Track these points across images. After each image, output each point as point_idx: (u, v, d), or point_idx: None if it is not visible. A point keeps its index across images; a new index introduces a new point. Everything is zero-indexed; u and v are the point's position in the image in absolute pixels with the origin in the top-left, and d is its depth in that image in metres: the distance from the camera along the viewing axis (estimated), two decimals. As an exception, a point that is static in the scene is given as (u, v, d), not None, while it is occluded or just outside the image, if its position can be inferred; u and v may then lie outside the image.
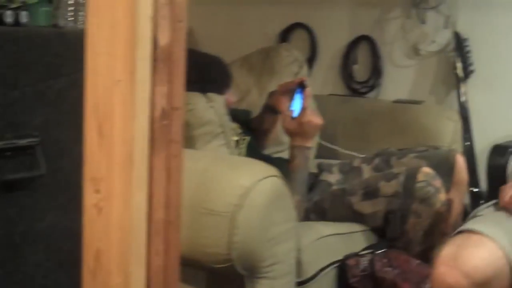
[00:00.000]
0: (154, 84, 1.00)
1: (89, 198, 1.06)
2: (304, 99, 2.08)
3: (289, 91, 2.18)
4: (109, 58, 0.96)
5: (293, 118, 2.08)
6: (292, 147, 2.08)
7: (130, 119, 0.99)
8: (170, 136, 1.08)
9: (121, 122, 1.01)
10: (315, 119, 2.07)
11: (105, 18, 0.95)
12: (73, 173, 1.15)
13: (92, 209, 1.07)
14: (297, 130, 2.06)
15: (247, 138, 2.24)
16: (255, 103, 2.61)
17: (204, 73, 2.12)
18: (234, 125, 2.23)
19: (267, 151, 2.44)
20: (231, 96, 2.20)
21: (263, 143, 2.40)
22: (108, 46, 0.96)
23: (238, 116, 2.34)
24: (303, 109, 2.07)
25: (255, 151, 2.24)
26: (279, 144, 2.56)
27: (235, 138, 2.18)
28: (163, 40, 0.99)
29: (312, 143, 2.14)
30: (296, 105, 2.11)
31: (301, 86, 2.13)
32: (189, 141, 1.91)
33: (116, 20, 0.95)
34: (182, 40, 1.03)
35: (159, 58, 1.00)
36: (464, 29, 2.85)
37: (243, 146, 2.21)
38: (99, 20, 0.95)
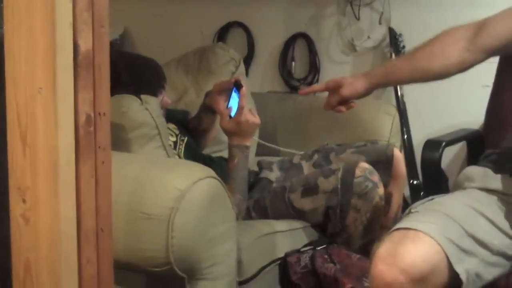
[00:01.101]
0: (77, 90, 1.00)
1: (16, 208, 1.05)
2: (240, 98, 2.09)
3: (225, 91, 2.18)
4: (29, 65, 0.95)
5: (230, 118, 2.08)
6: (231, 147, 2.08)
7: (53, 127, 0.98)
8: (97, 143, 1.07)
9: (44, 131, 1.00)
10: (252, 118, 2.07)
11: (22, 24, 0.94)
12: (-1, 183, 1.14)
13: (19, 219, 1.05)
14: (235, 130, 2.06)
15: (185, 139, 2.22)
16: (192, 103, 2.60)
17: (137, 75, 2.09)
18: (171, 126, 2.21)
19: (206, 151, 2.42)
20: (166, 97, 2.18)
21: (202, 143, 2.38)
22: (27, 53, 0.95)
23: (176, 116, 2.33)
24: (240, 109, 2.06)
25: (194, 151, 2.22)
26: (218, 143, 2.56)
27: (173, 139, 2.17)
28: (85, 46, 0.99)
29: (251, 142, 2.15)
30: (233, 105, 2.12)
31: (237, 85, 2.14)
32: (124, 144, 1.89)
33: (34, 26, 0.94)
34: (105, 45, 1.03)
35: (81, 64, 0.99)
36: (397, 25, 2.90)
37: (182, 147, 2.19)
38: (16, 27, 0.94)
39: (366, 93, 1.91)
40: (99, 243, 1.10)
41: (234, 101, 2.12)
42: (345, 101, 1.94)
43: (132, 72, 2.07)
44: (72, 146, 1.02)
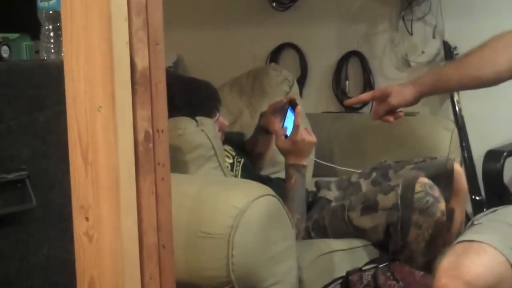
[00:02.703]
0: (135, 108, 1.02)
1: (79, 226, 1.07)
2: (295, 117, 2.10)
3: (280, 111, 2.19)
4: (88, 85, 0.98)
5: (286, 137, 2.09)
6: (288, 166, 2.08)
7: (113, 144, 1.01)
8: (156, 159, 1.09)
9: (105, 148, 1.02)
10: (308, 136, 2.08)
11: (80, 44, 0.97)
12: (64, 203, 1.14)
13: (83, 237, 1.08)
14: (291, 149, 2.07)
15: (242, 160, 2.23)
16: (247, 125, 2.62)
17: (192, 97, 2.12)
18: (228, 148, 2.23)
19: (264, 172, 2.43)
20: (222, 119, 2.21)
21: (259, 165, 2.39)
22: (86, 73, 0.98)
23: (232, 138, 2.34)
24: (295, 127, 2.08)
25: (251, 172, 2.23)
26: (276, 164, 2.56)
27: (230, 161, 2.18)
28: (141, 63, 1.02)
29: (308, 161, 2.16)
30: (288, 124, 2.12)
31: (292, 104, 2.15)
32: (182, 166, 1.91)
33: (92, 46, 0.97)
34: (161, 62, 1.05)
35: (138, 81, 1.02)
36: (452, 38, 2.88)
37: (238, 169, 2.21)
38: (75, 48, 0.97)
39: (415, 101, 1.89)
40: (161, 260, 1.12)
41: (289, 121, 2.13)
42: (393, 110, 1.93)
43: (186, 95, 2.09)
44: (132, 163, 1.04)
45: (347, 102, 2.07)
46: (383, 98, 1.90)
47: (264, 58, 3.28)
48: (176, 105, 2.05)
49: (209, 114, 2.12)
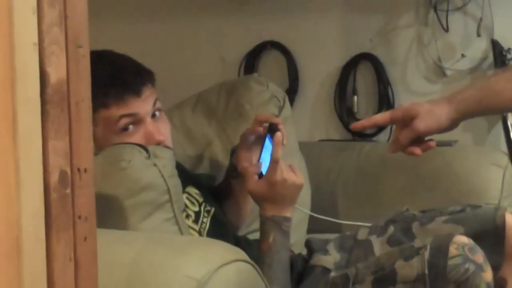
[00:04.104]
0: (46, 137, 1.02)
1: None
2: (273, 148, 2.09)
3: (255, 142, 2.21)
4: (-23, 104, 0.98)
5: (260, 177, 2.09)
6: (263, 220, 2.09)
7: (13, 189, 1.00)
8: (76, 211, 1.09)
9: (3, 196, 1.02)
10: (292, 176, 2.08)
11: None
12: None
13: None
14: (268, 194, 2.07)
15: (213, 210, 2.25)
16: (219, 161, 2.63)
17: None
18: (193, 191, 2.25)
19: (243, 231, 2.46)
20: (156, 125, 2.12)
21: (235, 220, 2.42)
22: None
23: (201, 181, 2.36)
24: (273, 163, 2.07)
25: (223, 228, 2.25)
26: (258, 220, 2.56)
27: (194, 208, 2.19)
28: (56, 74, 1.01)
29: (293, 211, 2.16)
30: (265, 159, 2.12)
31: (272, 131, 2.14)
32: (119, 216, 1.89)
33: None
34: (84, 72, 1.05)
35: (52, 99, 1.01)
36: (504, 36, 2.93)
37: (206, 221, 2.21)
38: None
39: (452, 125, 1.90)
40: None
41: (266, 154, 2.13)
42: (420, 139, 1.93)
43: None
44: (41, 217, 1.02)
45: (355, 125, 2.07)
46: (406, 121, 1.91)
47: (237, 62, 3.29)
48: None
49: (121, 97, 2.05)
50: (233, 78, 3.03)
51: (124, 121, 2.07)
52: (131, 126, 2.07)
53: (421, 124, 1.87)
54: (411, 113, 1.89)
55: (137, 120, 2.08)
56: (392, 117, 1.95)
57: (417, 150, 1.91)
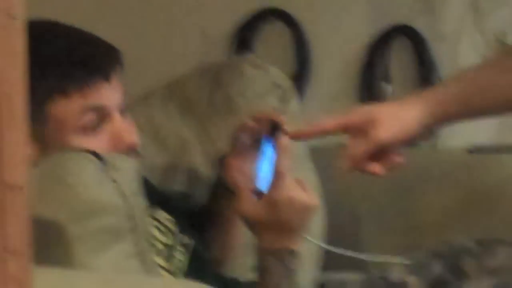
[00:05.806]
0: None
1: None
2: (278, 157, 2.14)
3: (250, 147, 2.26)
4: None
5: (258, 196, 2.13)
6: (261, 252, 2.13)
7: None
8: (6, 243, 1.17)
9: None
10: (302, 195, 2.10)
11: None
12: None
13: None
14: (268, 219, 2.09)
15: (191, 244, 2.29)
16: (200, 172, 2.67)
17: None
18: (163, 216, 2.27)
19: (233, 269, 2.50)
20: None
21: (223, 254, 2.45)
22: None
23: (174, 202, 2.41)
24: (277, 177, 2.09)
25: (204, 266, 2.27)
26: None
27: (166, 240, 2.22)
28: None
29: (301, 242, 2.20)
30: (264, 171, 2.13)
31: (273, 132, 2.19)
32: (65, 250, 1.89)
33: None
34: (19, 53, 1.11)
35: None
36: None
37: (182, 258, 2.25)
38: None
39: (425, 133, 1.90)
40: None
41: (266, 164, 2.18)
42: (384, 152, 1.94)
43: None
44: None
45: (294, 134, 2.06)
46: (363, 128, 1.91)
47: (225, 38, 3.26)
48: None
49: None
50: (220, 59, 3.04)
51: (89, 115, 2.11)
52: (96, 123, 2.11)
53: (382, 133, 1.86)
54: (368, 117, 1.89)
55: (103, 115, 2.09)
56: (348, 122, 1.95)
57: (378, 168, 1.92)
